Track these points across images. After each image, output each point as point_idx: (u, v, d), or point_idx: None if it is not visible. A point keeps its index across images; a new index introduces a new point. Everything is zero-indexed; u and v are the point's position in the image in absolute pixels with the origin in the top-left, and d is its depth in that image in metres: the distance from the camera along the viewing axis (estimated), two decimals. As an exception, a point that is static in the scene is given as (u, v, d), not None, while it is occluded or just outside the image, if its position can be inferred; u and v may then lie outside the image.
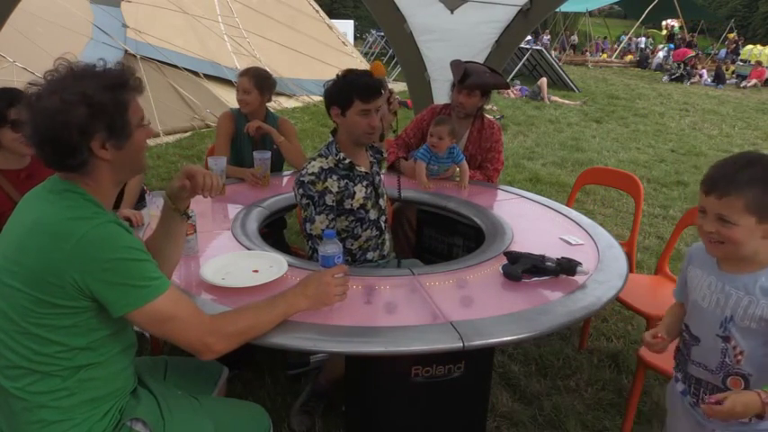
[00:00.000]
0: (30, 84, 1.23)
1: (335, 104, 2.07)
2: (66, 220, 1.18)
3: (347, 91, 2.03)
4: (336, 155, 2.11)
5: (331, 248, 1.65)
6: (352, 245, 2.19)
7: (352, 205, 2.13)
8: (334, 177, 2.08)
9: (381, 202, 2.27)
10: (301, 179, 2.07)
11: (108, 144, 1.24)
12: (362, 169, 2.16)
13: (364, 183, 2.16)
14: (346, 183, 2.11)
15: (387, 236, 2.33)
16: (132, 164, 1.32)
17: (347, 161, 2.11)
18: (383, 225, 2.28)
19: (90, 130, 1.21)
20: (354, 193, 2.12)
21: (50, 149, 1.21)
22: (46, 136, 1.19)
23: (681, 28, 24.30)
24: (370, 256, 2.25)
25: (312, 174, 2.06)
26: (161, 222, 1.56)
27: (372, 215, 2.20)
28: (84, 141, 1.21)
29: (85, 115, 1.19)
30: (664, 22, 26.15)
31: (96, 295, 1.18)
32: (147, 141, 1.37)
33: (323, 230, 2.02)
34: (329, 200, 2.06)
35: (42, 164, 1.26)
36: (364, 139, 2.10)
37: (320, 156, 2.13)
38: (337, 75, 2.11)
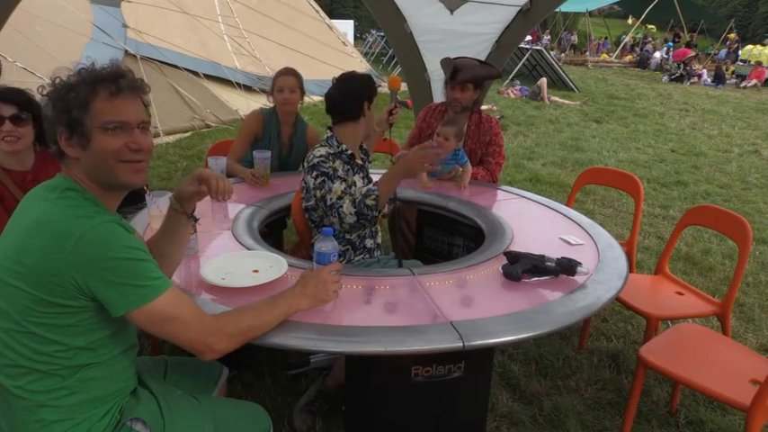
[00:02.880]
0: (54, 73, 1.28)
1: (367, 99, 2.27)
2: (67, 219, 1.18)
3: (373, 87, 2.30)
4: (338, 146, 2.26)
5: (327, 246, 1.66)
6: (351, 235, 2.28)
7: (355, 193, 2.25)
8: (339, 162, 2.22)
9: None
10: (313, 162, 2.20)
11: (72, 141, 1.25)
12: (359, 162, 2.32)
13: (360, 174, 2.32)
14: (348, 170, 2.25)
15: (379, 225, 2.47)
16: (102, 170, 1.25)
17: (349, 152, 2.26)
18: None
19: (56, 123, 1.25)
20: (355, 182, 2.27)
21: (42, 134, 1.31)
22: (42, 120, 1.29)
23: (647, 31, 24.31)
24: (368, 243, 2.36)
25: (321, 156, 2.20)
26: (165, 224, 1.56)
27: None
28: (52, 132, 1.26)
29: (54, 108, 1.24)
30: (630, 19, 25.84)
31: (96, 295, 1.18)
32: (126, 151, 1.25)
33: (342, 191, 2.15)
34: (341, 172, 2.19)
35: (45, 167, 1.28)
36: (371, 130, 2.39)
37: (321, 146, 2.27)
38: (352, 74, 2.31)
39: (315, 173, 2.18)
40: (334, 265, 1.62)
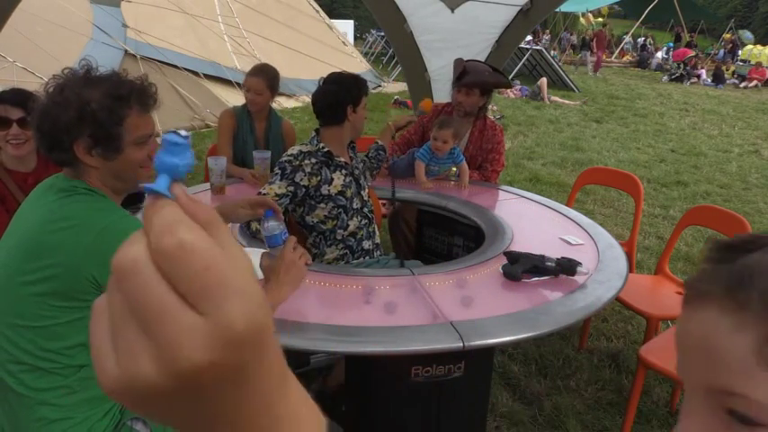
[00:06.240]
0: (55, 75, 1.27)
1: (351, 103, 2.21)
2: (90, 211, 1.21)
3: (359, 89, 2.24)
4: (316, 145, 2.24)
5: (273, 227, 1.56)
6: (343, 235, 2.27)
7: (329, 191, 2.22)
8: (312, 160, 2.20)
9: (363, 193, 2.39)
10: (280, 159, 2.23)
11: (94, 151, 1.25)
12: (342, 159, 2.27)
13: (343, 172, 2.27)
14: (321, 167, 2.22)
15: (375, 226, 2.44)
16: (123, 179, 1.33)
17: (326, 149, 2.23)
18: (369, 215, 2.39)
19: (74, 133, 1.23)
20: (332, 179, 2.23)
21: (41, 138, 1.26)
22: (42, 125, 1.25)
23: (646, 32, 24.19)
24: (366, 245, 2.34)
25: (290, 154, 2.21)
26: None
27: (356, 204, 2.31)
28: (67, 141, 1.24)
29: (73, 118, 1.22)
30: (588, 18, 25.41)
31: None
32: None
33: (275, 196, 2.13)
34: (299, 177, 2.17)
35: (47, 169, 1.28)
36: (361, 130, 2.35)
37: (299, 144, 2.31)
38: (337, 76, 2.26)
39: (277, 168, 2.20)
40: (290, 241, 1.53)
